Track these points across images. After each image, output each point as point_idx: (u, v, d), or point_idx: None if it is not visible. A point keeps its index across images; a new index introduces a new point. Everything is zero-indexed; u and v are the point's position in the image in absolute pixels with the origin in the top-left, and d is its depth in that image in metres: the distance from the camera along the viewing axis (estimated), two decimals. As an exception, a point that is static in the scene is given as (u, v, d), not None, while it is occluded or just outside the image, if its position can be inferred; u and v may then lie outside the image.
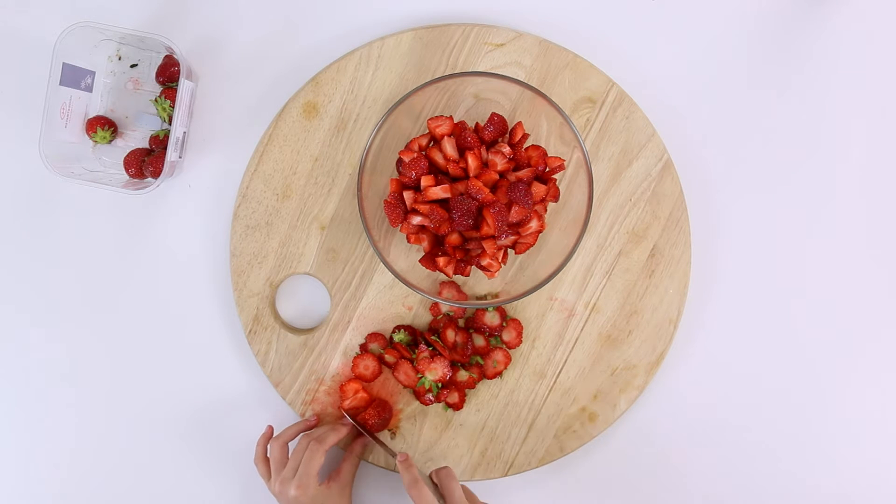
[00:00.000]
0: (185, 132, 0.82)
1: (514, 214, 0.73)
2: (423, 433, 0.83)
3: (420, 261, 0.78)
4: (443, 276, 0.82)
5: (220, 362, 0.85)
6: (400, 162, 0.78)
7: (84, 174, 0.80)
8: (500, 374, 0.82)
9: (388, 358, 0.81)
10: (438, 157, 0.75)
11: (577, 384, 0.82)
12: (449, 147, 0.75)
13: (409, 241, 0.78)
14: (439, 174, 0.76)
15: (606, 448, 0.85)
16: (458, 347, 0.81)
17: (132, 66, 0.83)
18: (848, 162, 0.85)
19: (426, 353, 0.79)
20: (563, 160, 0.76)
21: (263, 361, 0.82)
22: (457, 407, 0.82)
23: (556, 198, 0.79)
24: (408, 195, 0.75)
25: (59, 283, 0.85)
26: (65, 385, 0.86)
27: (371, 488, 0.85)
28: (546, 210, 0.79)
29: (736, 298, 0.85)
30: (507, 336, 0.82)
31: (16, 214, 0.85)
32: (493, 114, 0.76)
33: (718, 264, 0.85)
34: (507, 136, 0.78)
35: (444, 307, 0.82)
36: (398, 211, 0.75)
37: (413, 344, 0.82)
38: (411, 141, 0.78)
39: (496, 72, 0.79)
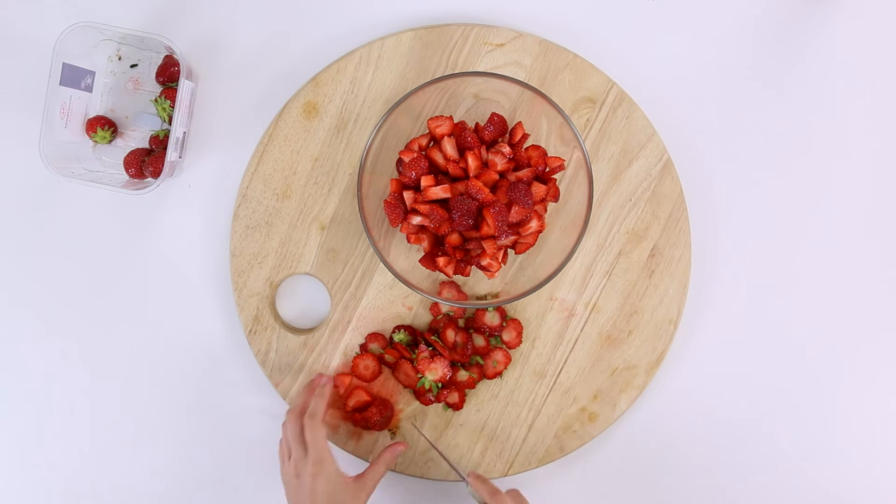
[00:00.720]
0: (185, 132, 0.82)
1: (514, 214, 0.73)
2: (423, 433, 0.83)
3: (420, 261, 0.78)
4: (443, 276, 0.82)
5: (220, 362, 0.85)
6: (400, 162, 0.78)
7: (84, 174, 0.80)
8: (500, 374, 0.82)
9: (388, 358, 0.82)
10: (438, 157, 0.75)
11: (577, 384, 0.82)
12: (449, 147, 0.75)
13: (409, 241, 0.78)
14: (439, 174, 0.76)
15: (606, 448, 0.85)
16: (458, 347, 0.81)
17: (132, 66, 0.83)
18: (849, 163, 0.85)
19: (426, 353, 0.79)
20: (563, 160, 0.76)
21: (263, 361, 0.82)
22: (457, 407, 0.82)
23: (556, 198, 0.79)
24: (408, 195, 0.75)
25: (59, 283, 0.85)
26: (64, 386, 0.86)
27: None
28: (546, 210, 0.79)
29: (736, 298, 0.85)
30: (507, 336, 0.82)
31: (16, 214, 0.85)
32: (493, 114, 0.76)
33: (718, 264, 0.85)
34: (507, 136, 0.78)
35: (444, 307, 0.82)
36: (398, 211, 0.75)
37: (413, 344, 0.82)
38: (411, 141, 0.78)
39: (496, 72, 0.79)
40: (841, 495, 0.86)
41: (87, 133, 0.82)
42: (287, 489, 0.74)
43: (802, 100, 0.84)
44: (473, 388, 0.82)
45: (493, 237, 0.74)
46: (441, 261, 0.77)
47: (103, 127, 0.82)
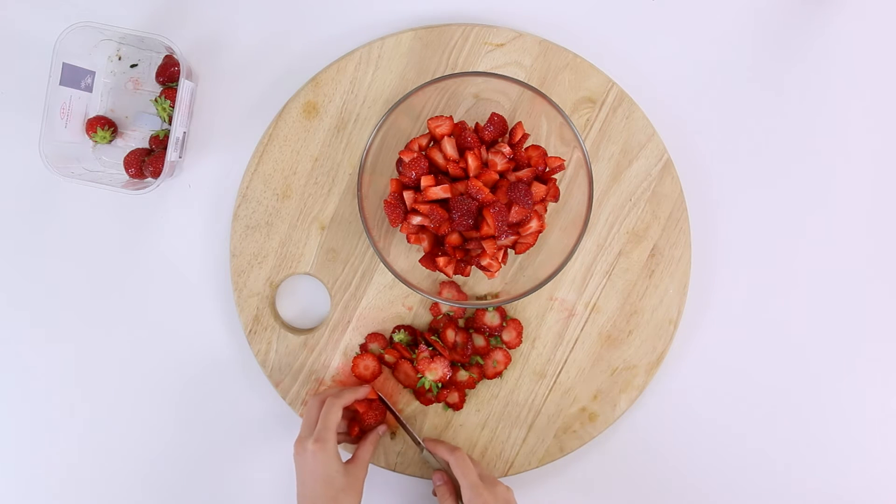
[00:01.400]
0: (185, 132, 0.82)
1: (514, 214, 0.73)
2: (423, 433, 0.83)
3: (420, 261, 0.78)
4: (443, 276, 0.82)
5: (219, 362, 0.85)
6: (400, 162, 0.78)
7: (84, 174, 0.80)
8: (500, 374, 0.82)
9: (388, 358, 0.82)
10: (438, 157, 0.75)
11: (577, 384, 0.82)
12: (449, 147, 0.75)
13: (409, 241, 0.78)
14: (439, 174, 0.76)
15: (606, 448, 0.85)
16: (458, 347, 0.81)
17: (132, 66, 0.83)
18: (849, 163, 0.85)
19: (426, 353, 0.79)
20: (563, 160, 0.76)
21: (263, 361, 0.82)
22: (457, 407, 0.82)
23: (556, 198, 0.79)
24: (408, 195, 0.75)
25: (59, 283, 0.85)
26: (64, 386, 0.86)
27: (372, 489, 0.85)
28: (546, 210, 0.79)
29: (736, 298, 0.85)
30: (507, 336, 0.82)
31: (16, 214, 0.85)
32: (493, 114, 0.76)
33: (718, 264, 0.85)
34: (507, 136, 0.78)
35: (444, 307, 0.82)
36: (398, 211, 0.75)
37: (413, 344, 0.82)
38: (411, 141, 0.78)
39: (496, 72, 0.79)
40: (841, 495, 0.86)
41: (87, 133, 0.82)
42: (294, 463, 0.76)
43: (802, 100, 0.84)
44: (473, 388, 0.82)
45: (493, 237, 0.74)
46: (441, 261, 0.77)
47: (103, 127, 0.82)
